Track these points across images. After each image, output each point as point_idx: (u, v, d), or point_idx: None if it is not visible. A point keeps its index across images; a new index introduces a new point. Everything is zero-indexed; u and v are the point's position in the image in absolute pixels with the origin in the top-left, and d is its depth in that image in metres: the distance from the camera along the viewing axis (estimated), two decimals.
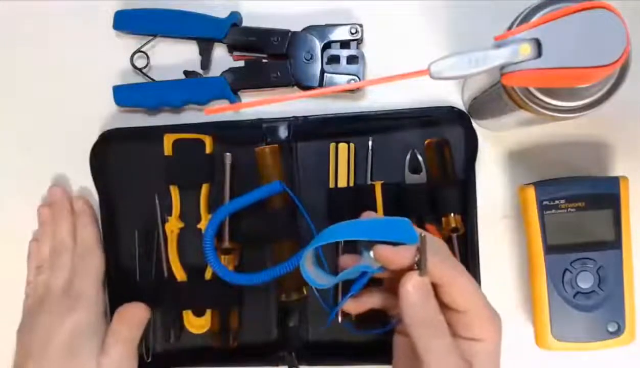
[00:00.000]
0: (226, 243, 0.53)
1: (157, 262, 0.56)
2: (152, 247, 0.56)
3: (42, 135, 0.59)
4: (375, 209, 0.54)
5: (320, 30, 0.55)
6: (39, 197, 0.59)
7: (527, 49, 0.35)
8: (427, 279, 0.36)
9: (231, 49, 0.56)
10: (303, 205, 0.52)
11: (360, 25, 0.54)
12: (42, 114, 0.59)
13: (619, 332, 0.49)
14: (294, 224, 0.54)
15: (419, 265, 0.36)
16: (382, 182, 0.54)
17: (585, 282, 0.50)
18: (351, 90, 0.55)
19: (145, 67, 0.57)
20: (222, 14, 0.56)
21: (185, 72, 0.56)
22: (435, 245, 0.39)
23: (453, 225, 0.53)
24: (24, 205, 0.59)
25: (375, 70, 0.55)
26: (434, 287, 0.37)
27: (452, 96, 0.55)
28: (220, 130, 0.56)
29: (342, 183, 0.55)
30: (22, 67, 0.59)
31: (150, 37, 0.56)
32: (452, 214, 0.53)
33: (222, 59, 0.57)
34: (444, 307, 0.37)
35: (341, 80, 0.54)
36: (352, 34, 0.54)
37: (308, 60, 0.54)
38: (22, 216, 0.59)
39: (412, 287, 0.36)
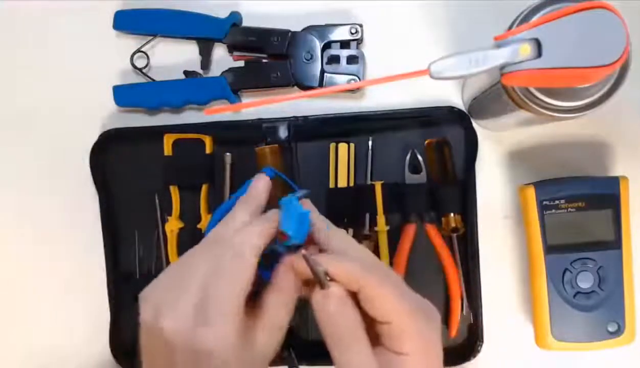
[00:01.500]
0: None
1: (157, 262, 0.56)
2: (152, 247, 0.56)
3: (42, 135, 0.59)
4: (374, 209, 0.54)
5: (320, 30, 0.54)
6: (38, 197, 0.59)
7: (527, 49, 0.35)
8: (340, 289, 0.34)
9: (231, 49, 0.56)
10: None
11: (360, 25, 0.54)
12: (42, 114, 0.59)
13: (619, 332, 0.49)
14: None
15: (318, 280, 0.34)
16: (382, 182, 0.54)
17: (585, 282, 0.50)
18: (351, 90, 0.55)
19: (145, 67, 0.57)
20: (222, 14, 0.56)
21: (185, 72, 0.56)
22: (356, 251, 0.37)
23: (453, 225, 0.53)
24: (24, 205, 0.59)
25: (375, 70, 0.55)
26: (356, 295, 0.34)
27: (452, 96, 0.55)
28: (220, 130, 0.56)
29: (342, 183, 0.55)
30: (22, 67, 0.59)
31: (150, 37, 0.56)
32: (452, 214, 0.53)
33: (222, 59, 0.57)
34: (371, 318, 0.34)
35: (341, 80, 0.54)
36: (352, 34, 0.54)
37: (308, 60, 0.54)
38: (22, 216, 0.59)
39: (322, 298, 0.34)
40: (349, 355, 0.33)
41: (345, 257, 0.36)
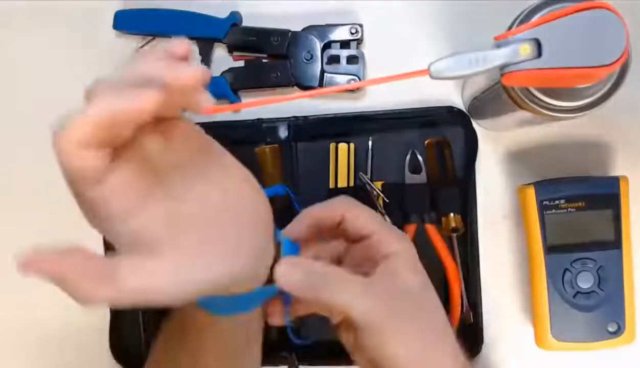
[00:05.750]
0: None
1: None
2: None
3: (42, 135, 0.58)
4: (374, 209, 0.54)
5: (320, 30, 0.54)
6: (39, 197, 0.59)
7: (527, 49, 0.35)
8: (290, 257, 0.36)
9: (231, 49, 0.56)
10: (304, 205, 0.51)
11: (360, 25, 0.54)
12: (42, 114, 0.59)
13: (619, 332, 0.49)
14: None
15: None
16: (382, 182, 0.54)
17: (585, 282, 0.50)
18: (351, 90, 0.55)
19: None
20: (222, 14, 0.56)
21: None
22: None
23: (453, 225, 0.53)
24: (24, 205, 0.59)
25: (375, 70, 0.55)
26: (339, 225, 0.38)
27: (452, 96, 0.55)
28: (220, 130, 0.55)
29: (342, 183, 0.55)
30: (22, 68, 0.59)
31: (150, 37, 0.56)
32: (452, 214, 0.53)
33: (222, 59, 0.57)
34: (354, 243, 0.39)
35: (341, 80, 0.54)
36: (352, 34, 0.54)
37: (308, 60, 0.54)
38: (22, 216, 0.59)
39: (285, 274, 0.34)
40: (343, 294, 0.34)
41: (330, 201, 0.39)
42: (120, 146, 0.28)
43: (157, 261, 0.28)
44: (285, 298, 0.38)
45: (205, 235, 0.30)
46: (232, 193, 0.33)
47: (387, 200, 0.54)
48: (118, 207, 0.29)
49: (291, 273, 0.34)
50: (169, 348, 0.39)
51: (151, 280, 0.28)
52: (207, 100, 0.31)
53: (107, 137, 0.27)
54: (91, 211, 0.30)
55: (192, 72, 0.28)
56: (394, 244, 0.38)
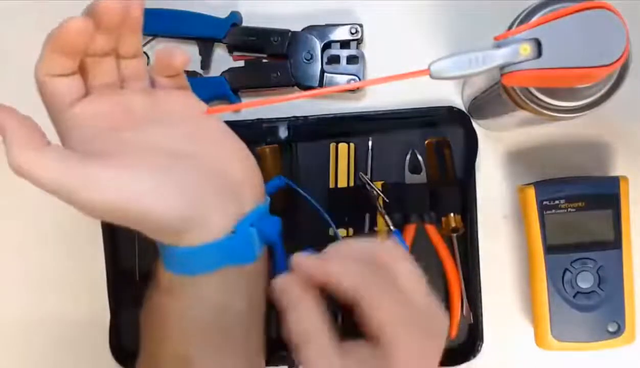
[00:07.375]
0: None
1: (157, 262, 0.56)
2: (152, 246, 0.56)
3: None
4: (374, 209, 0.54)
5: (320, 30, 0.55)
6: (39, 197, 0.58)
7: (527, 49, 0.35)
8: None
9: (231, 49, 0.56)
10: (304, 204, 0.51)
11: (360, 25, 0.54)
12: (42, 115, 0.59)
13: (619, 332, 0.49)
14: (294, 227, 0.54)
15: None
16: (382, 182, 0.54)
17: (585, 282, 0.50)
18: (351, 90, 0.55)
19: None
20: (222, 14, 0.56)
21: (185, 72, 0.56)
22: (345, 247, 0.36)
23: (453, 225, 0.53)
24: (24, 205, 0.59)
25: (375, 70, 0.55)
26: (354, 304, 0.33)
27: (452, 96, 0.55)
28: None
29: (342, 183, 0.55)
30: (21, 67, 0.59)
31: (150, 37, 0.56)
32: (452, 214, 0.53)
33: (222, 59, 0.57)
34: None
35: (341, 80, 0.54)
36: (352, 34, 0.54)
37: (308, 60, 0.54)
38: (22, 215, 0.59)
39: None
40: (307, 350, 0.33)
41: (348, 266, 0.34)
42: (99, 85, 0.35)
43: (89, 162, 0.32)
44: (277, 268, 0.37)
45: (150, 167, 0.33)
46: (206, 153, 0.36)
47: (387, 200, 0.54)
48: (84, 132, 0.34)
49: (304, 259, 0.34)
50: (145, 322, 0.39)
51: (68, 173, 0.32)
52: None
53: (63, 64, 0.33)
54: (58, 127, 0.36)
55: None
56: (394, 356, 0.31)
